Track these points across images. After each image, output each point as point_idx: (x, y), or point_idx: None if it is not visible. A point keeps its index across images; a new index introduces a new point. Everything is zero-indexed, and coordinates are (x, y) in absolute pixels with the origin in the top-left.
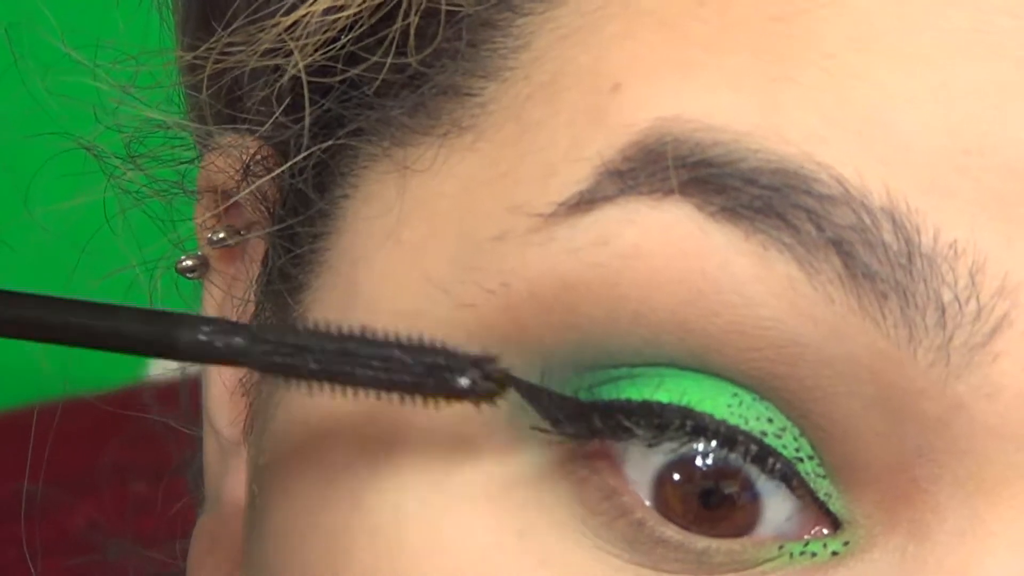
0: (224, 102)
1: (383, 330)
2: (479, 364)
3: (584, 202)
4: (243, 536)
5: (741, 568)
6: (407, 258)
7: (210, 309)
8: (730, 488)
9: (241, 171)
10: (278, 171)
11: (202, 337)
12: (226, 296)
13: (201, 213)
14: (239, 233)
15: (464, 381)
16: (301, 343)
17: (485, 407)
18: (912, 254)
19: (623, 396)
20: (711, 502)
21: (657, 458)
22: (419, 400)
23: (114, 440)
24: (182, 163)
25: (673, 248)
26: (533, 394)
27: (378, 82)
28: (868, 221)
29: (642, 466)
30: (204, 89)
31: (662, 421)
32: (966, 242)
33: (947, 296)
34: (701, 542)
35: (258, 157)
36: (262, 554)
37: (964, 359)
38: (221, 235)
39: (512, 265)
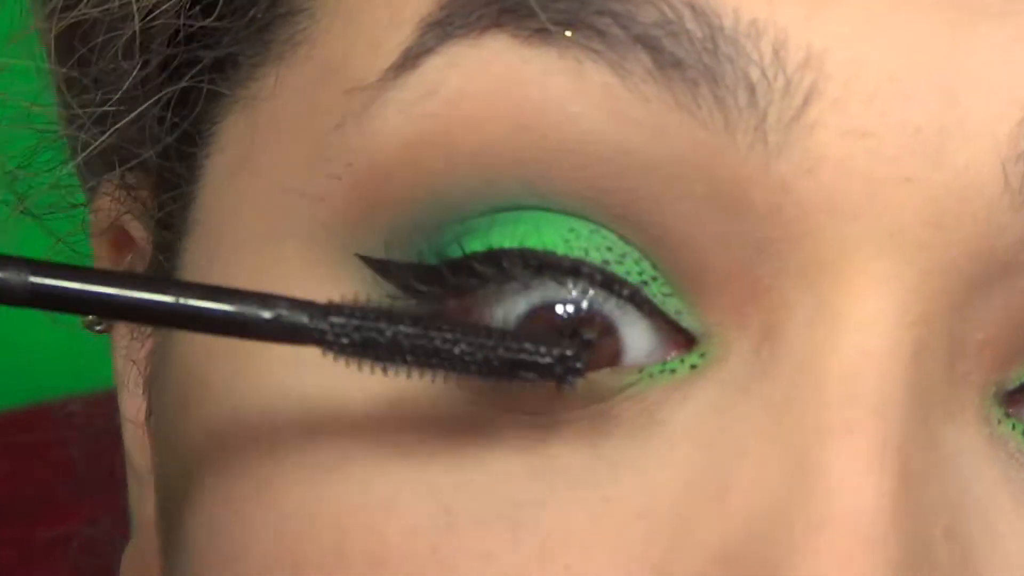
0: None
1: (462, 320)
2: (562, 360)
3: (409, 59)
4: (160, 548)
5: (604, 397)
6: (263, 180)
7: (120, 361)
8: (589, 333)
9: (120, 197)
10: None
11: (268, 315)
12: (132, 340)
13: (101, 260)
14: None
15: (539, 374)
16: (374, 327)
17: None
18: (715, 38)
19: (468, 250)
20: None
21: (518, 308)
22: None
23: (114, 440)
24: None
25: (495, 82)
26: (382, 268)
27: (214, 18)
28: (670, 14)
29: (503, 320)
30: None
31: (507, 265)
32: (766, 20)
33: (755, 74)
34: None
35: (131, 180)
36: (185, 554)
37: (781, 136)
38: None
39: (353, 144)
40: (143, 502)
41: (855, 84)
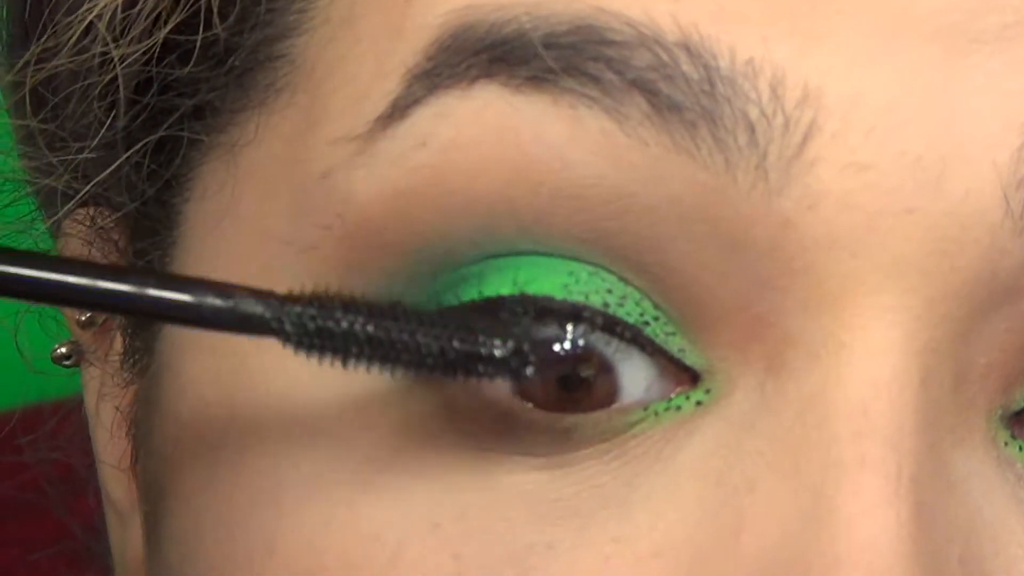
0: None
1: (417, 311)
2: (517, 353)
3: (397, 110)
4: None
5: (610, 436)
6: (245, 226)
7: (92, 398)
8: (587, 371)
9: (90, 237)
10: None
11: (224, 304)
12: (104, 376)
13: None
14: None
15: (494, 367)
16: (330, 317)
17: None
18: (712, 79)
19: (465, 299)
20: (570, 384)
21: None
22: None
23: None
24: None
25: (487, 131)
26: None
27: (192, 66)
28: (665, 57)
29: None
30: (28, 109)
31: (505, 314)
32: (762, 59)
33: (753, 113)
34: (567, 419)
35: (101, 222)
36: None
37: (782, 173)
38: (88, 314)
39: (342, 195)
40: (124, 542)
41: (853, 117)
